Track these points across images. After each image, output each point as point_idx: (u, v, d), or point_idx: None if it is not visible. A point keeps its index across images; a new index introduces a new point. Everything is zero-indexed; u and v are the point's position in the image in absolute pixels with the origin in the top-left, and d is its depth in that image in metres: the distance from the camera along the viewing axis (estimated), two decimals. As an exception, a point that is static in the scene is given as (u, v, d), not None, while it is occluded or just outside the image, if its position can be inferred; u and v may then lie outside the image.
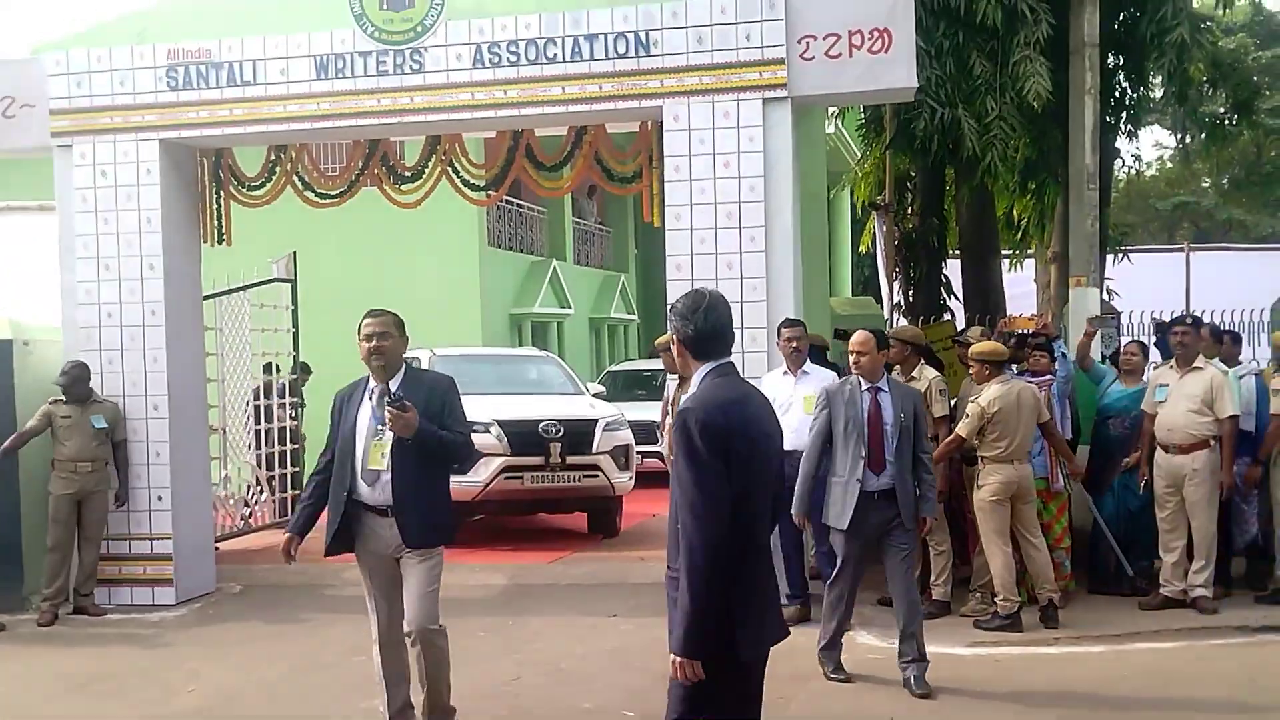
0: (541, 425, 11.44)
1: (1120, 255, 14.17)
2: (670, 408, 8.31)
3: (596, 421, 11.81)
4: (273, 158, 9.73)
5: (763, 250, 8.40)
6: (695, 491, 3.56)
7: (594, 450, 11.61)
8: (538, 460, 11.33)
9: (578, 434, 11.56)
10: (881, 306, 15.72)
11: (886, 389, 6.72)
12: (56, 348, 9.32)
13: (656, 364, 18.71)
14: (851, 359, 6.75)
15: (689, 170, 8.49)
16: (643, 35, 8.51)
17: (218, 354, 11.76)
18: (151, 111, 9.13)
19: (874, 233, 16.81)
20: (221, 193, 9.84)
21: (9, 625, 8.65)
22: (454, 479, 6.42)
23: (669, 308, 3.93)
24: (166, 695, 6.88)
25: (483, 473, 11.11)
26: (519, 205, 20.79)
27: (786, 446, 7.90)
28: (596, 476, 11.60)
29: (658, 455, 14.88)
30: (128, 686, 7.10)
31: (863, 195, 16.33)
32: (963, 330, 10.37)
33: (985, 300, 12.73)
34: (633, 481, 12.14)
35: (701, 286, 4.32)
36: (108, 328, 9.24)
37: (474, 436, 5.85)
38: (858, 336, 6.75)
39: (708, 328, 3.77)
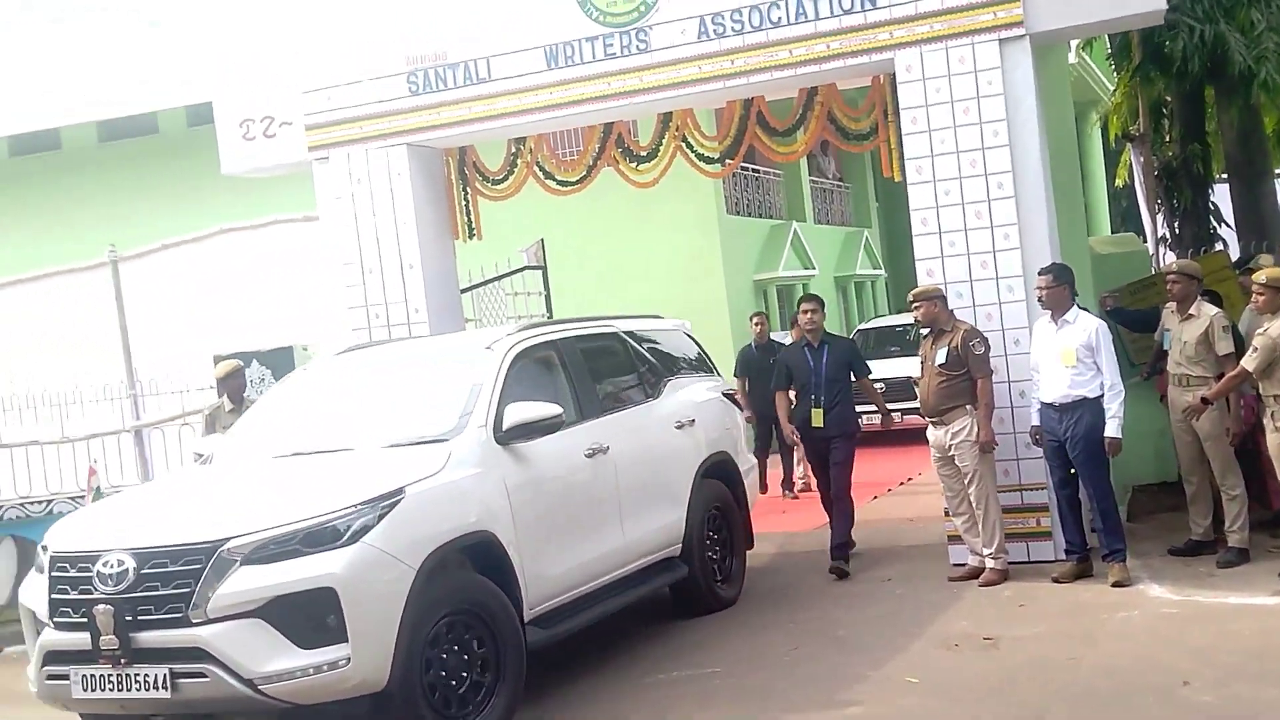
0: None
1: None
2: (924, 363, 8.13)
3: None
4: (513, 150, 9.99)
5: (1011, 196, 8.08)
6: None
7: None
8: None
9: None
10: (1145, 241, 14.92)
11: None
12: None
13: (906, 319, 18.40)
14: None
15: (927, 121, 8.25)
16: (869, -12, 8.30)
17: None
18: (397, 118, 9.51)
19: (1130, 165, 15.94)
20: (468, 189, 10.17)
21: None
22: None
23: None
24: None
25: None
26: (755, 170, 20.71)
27: (1045, 398, 7.78)
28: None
29: (915, 411, 14.59)
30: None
31: (1116, 127, 15.51)
32: (1246, 258, 9.72)
33: (1261, 225, 11.90)
34: None
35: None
36: (376, 327, 9.71)
37: None
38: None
39: None
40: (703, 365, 8.99)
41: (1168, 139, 13.92)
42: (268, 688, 5.29)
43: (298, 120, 9.76)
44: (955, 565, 8.30)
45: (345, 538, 5.50)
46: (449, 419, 6.46)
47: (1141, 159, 14.36)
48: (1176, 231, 13.29)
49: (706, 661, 6.96)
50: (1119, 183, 18.84)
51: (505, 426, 6.45)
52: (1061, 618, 7.04)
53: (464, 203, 10.17)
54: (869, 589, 8.29)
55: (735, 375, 12.32)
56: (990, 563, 7.96)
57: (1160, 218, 13.80)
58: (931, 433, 8.17)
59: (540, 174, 10.00)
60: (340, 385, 7.52)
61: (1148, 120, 14.03)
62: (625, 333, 8.22)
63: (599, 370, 7.77)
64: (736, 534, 8.44)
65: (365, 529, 5.54)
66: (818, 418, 8.78)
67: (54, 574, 5.74)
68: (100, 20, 19.84)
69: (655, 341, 8.59)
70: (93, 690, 5.52)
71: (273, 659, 5.30)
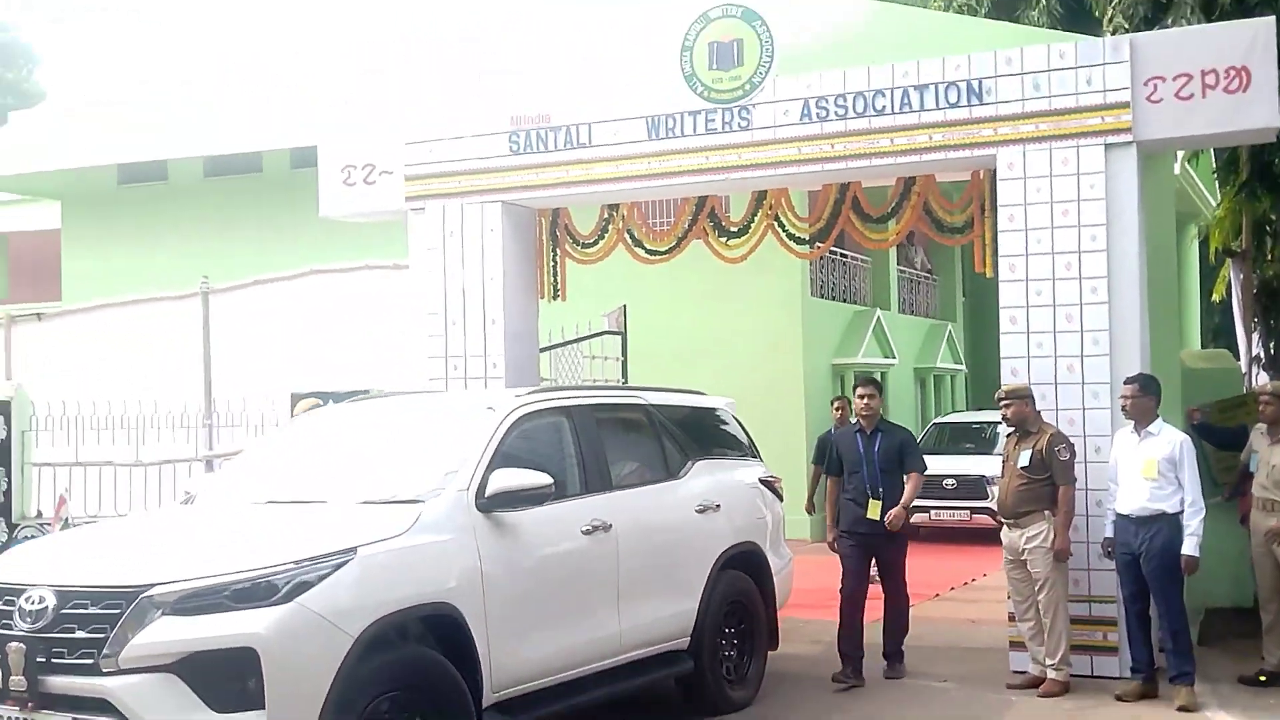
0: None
1: None
2: (1005, 463, 7.95)
3: None
4: (605, 216, 10.06)
5: (1105, 302, 7.95)
6: None
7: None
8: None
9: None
10: (1238, 359, 14.59)
11: None
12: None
13: (984, 416, 18.16)
14: None
15: (1024, 219, 8.16)
16: (975, 83, 8.28)
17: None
18: (495, 175, 9.62)
19: (1229, 280, 15.66)
20: (558, 250, 10.24)
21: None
22: None
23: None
24: None
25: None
26: (842, 255, 20.67)
27: (1121, 510, 7.57)
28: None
29: (987, 511, 14.39)
30: None
31: (1217, 241, 15.25)
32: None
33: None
34: None
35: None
36: (454, 379, 9.74)
37: None
38: None
39: None
40: (742, 448, 8.45)
41: (1269, 258, 13.67)
42: None
43: (398, 170, 9.92)
44: (1015, 672, 8.07)
45: (278, 596, 5.02)
46: (431, 479, 6.04)
47: (1241, 276, 14.11)
48: (1272, 352, 13.01)
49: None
50: (1215, 298, 18.53)
51: (488, 493, 5.97)
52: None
53: (552, 263, 10.23)
54: (922, 689, 8.08)
55: (812, 462, 12.13)
56: (1052, 673, 7.74)
57: (1256, 336, 13.52)
58: (1006, 534, 7.99)
59: (630, 241, 10.05)
60: (340, 434, 7.14)
61: (1250, 237, 13.79)
62: (653, 406, 7.74)
63: (615, 442, 7.29)
64: (758, 632, 7.89)
65: (301, 588, 5.07)
66: (874, 509, 8.18)
67: None
68: (215, 60, 20.46)
69: (688, 418, 8.07)
70: None
71: None
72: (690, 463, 7.68)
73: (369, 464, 6.54)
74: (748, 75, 8.86)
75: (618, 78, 9.26)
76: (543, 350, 11.01)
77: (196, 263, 14.63)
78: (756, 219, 9.66)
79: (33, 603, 5.12)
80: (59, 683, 4.99)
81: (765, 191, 9.55)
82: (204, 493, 6.80)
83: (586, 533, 6.57)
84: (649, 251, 10.04)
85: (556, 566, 6.38)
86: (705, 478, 7.71)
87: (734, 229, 9.78)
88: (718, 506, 7.60)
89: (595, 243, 10.12)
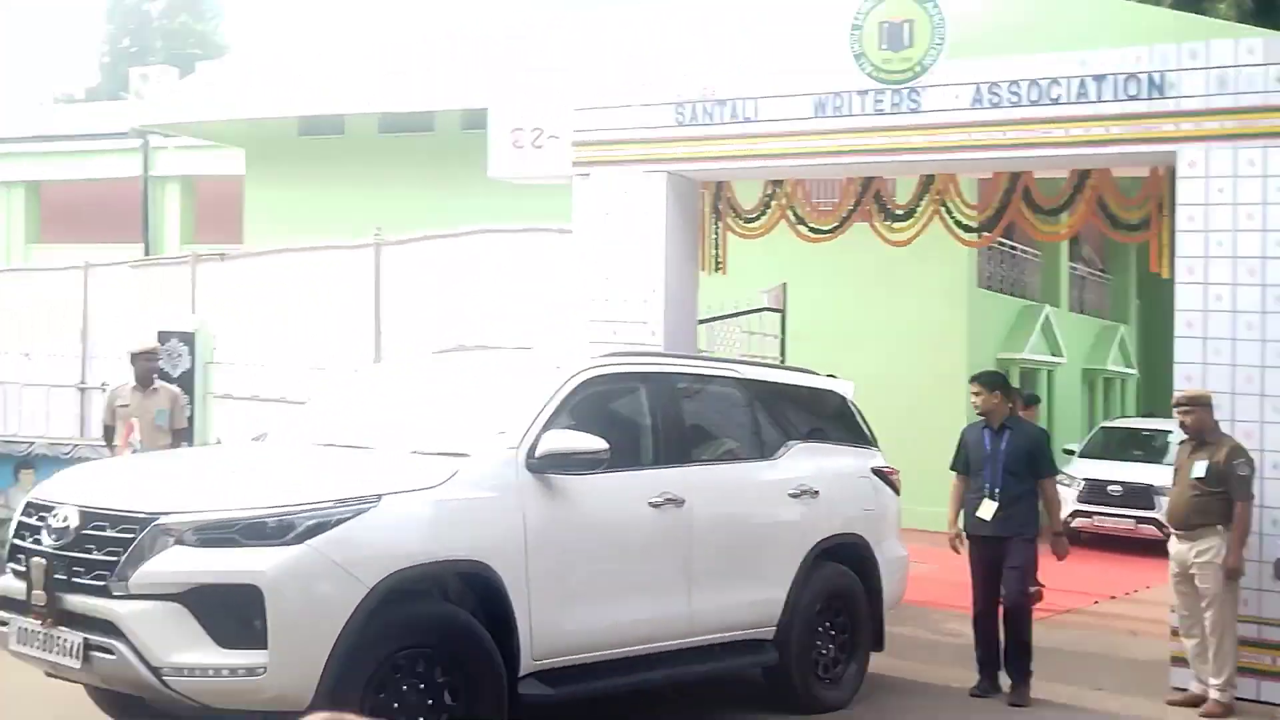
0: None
1: None
2: (1178, 472, 7.62)
3: None
4: (769, 191, 10.03)
5: (1289, 311, 7.61)
6: None
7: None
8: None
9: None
10: None
11: None
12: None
13: (1155, 424, 17.49)
14: None
15: (1205, 220, 7.86)
16: (1156, 76, 7.98)
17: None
18: (661, 145, 9.67)
19: None
20: (720, 223, 10.26)
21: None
22: None
23: None
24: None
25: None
26: (1011, 247, 20.16)
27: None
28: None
29: (1154, 521, 13.89)
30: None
31: None
32: None
33: None
34: None
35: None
36: (612, 344, 9.84)
37: None
38: None
39: None
40: (856, 434, 8.01)
41: None
42: (174, 680, 4.81)
43: (565, 135, 10.04)
44: (1176, 689, 7.79)
45: (290, 536, 4.93)
46: (482, 434, 5.87)
47: None
48: None
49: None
50: None
51: (539, 453, 5.72)
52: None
53: (714, 236, 10.26)
54: (1076, 696, 7.88)
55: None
56: (1216, 694, 7.43)
57: None
58: (1174, 546, 7.67)
59: (793, 218, 10.00)
60: (414, 384, 7.11)
61: None
62: (748, 380, 7.33)
63: (699, 416, 7.00)
64: (859, 631, 7.44)
65: (315, 530, 4.95)
66: (987, 509, 7.71)
67: (21, 518, 5.53)
68: (393, 19, 20.97)
69: (793, 398, 7.67)
70: (25, 645, 5.25)
71: (185, 651, 4.80)
72: (789, 445, 7.30)
73: (431, 415, 6.44)
74: (918, 57, 8.70)
75: (788, 55, 9.18)
76: (701, 322, 11.04)
77: (369, 214, 15.04)
78: (923, 203, 9.51)
79: (59, 520, 5.24)
80: (74, 601, 5.05)
81: (933, 176, 9.40)
82: (275, 432, 6.85)
83: (655, 505, 6.27)
84: (812, 230, 9.98)
85: (615, 537, 6.13)
86: (805, 461, 7.31)
87: (900, 212, 9.65)
88: (815, 493, 7.18)
89: (758, 218, 10.11)
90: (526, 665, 5.58)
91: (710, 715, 7.22)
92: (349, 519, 5.06)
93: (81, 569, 5.09)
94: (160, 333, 11.56)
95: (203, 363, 10.75)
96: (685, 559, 6.42)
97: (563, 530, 5.81)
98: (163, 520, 5.01)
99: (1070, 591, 11.44)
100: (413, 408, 6.66)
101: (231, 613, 4.84)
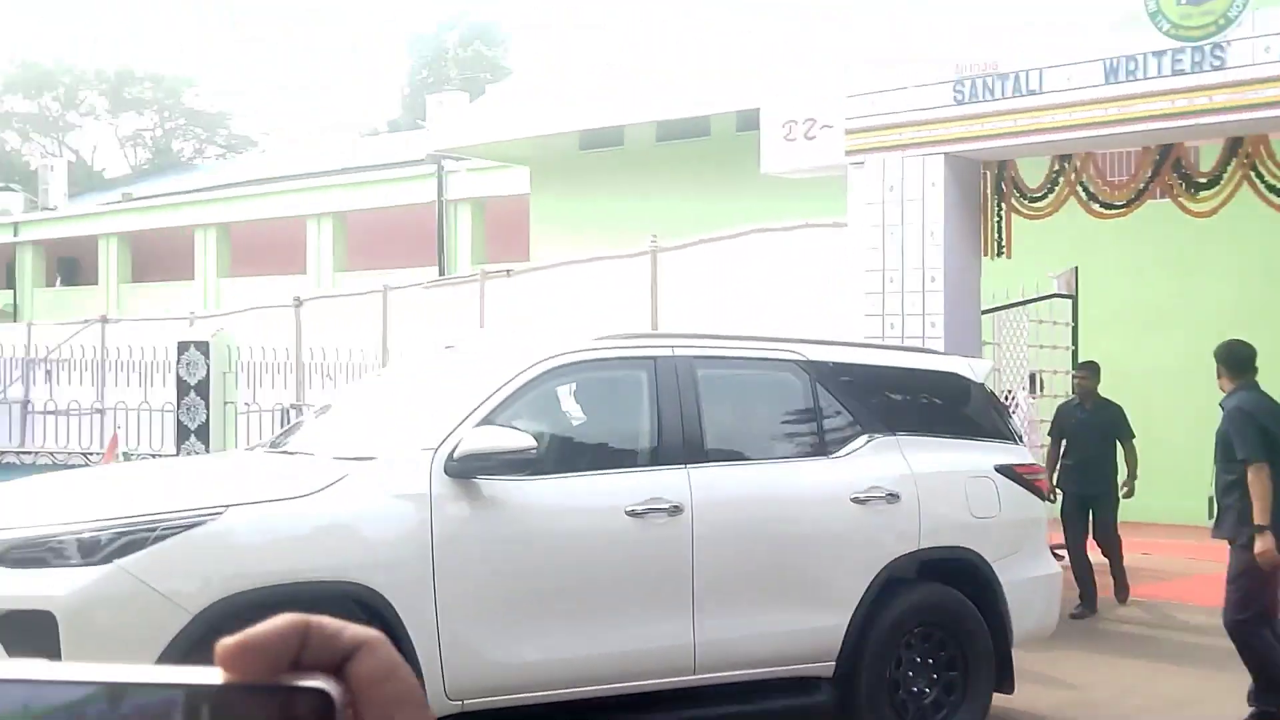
0: None
1: None
2: None
3: None
4: (1056, 168, 9.48)
5: None
6: None
7: None
8: None
9: None
10: None
11: None
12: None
13: None
14: None
15: None
16: None
17: (995, 368, 11.70)
18: (938, 126, 9.30)
19: None
20: (1003, 205, 9.78)
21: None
22: None
23: None
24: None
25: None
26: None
27: None
28: None
29: None
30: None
31: None
32: None
33: None
34: None
35: None
36: (890, 338, 9.56)
37: None
38: None
39: None
40: (978, 425, 6.54)
41: None
42: None
43: (838, 124, 9.81)
44: None
45: (97, 556, 4.33)
46: (402, 433, 5.24)
47: None
48: None
49: None
50: None
51: (458, 454, 4.92)
52: None
53: (997, 219, 9.79)
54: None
55: (1049, 435, 10.54)
56: None
57: None
58: None
59: (1083, 194, 9.41)
60: (402, 383, 6.48)
61: None
62: (812, 362, 6.05)
63: (728, 405, 5.96)
64: (973, 668, 5.97)
65: (127, 549, 4.35)
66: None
67: None
68: (665, 26, 21.19)
69: (881, 381, 6.29)
70: None
71: None
72: (863, 438, 6.01)
73: (386, 415, 5.86)
74: (1222, 9, 8.01)
75: (1072, 19, 8.65)
76: (985, 312, 10.57)
77: (646, 222, 15.22)
78: (1230, 169, 8.77)
79: None
80: None
81: (1240, 139, 8.64)
82: (279, 439, 6.48)
83: (634, 514, 5.29)
84: (1104, 205, 9.37)
85: (572, 552, 5.20)
86: (882, 459, 6.00)
87: (1203, 180, 8.93)
88: (894, 496, 5.90)
89: (1044, 196, 9.58)
90: (441, 705, 4.81)
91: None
92: (172, 535, 4.44)
93: None
94: (179, 343, 12.38)
95: (219, 371, 11.56)
96: (684, 578, 5.38)
97: (493, 545, 5.01)
98: None
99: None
100: (377, 409, 6.08)
101: (30, 643, 4.26)
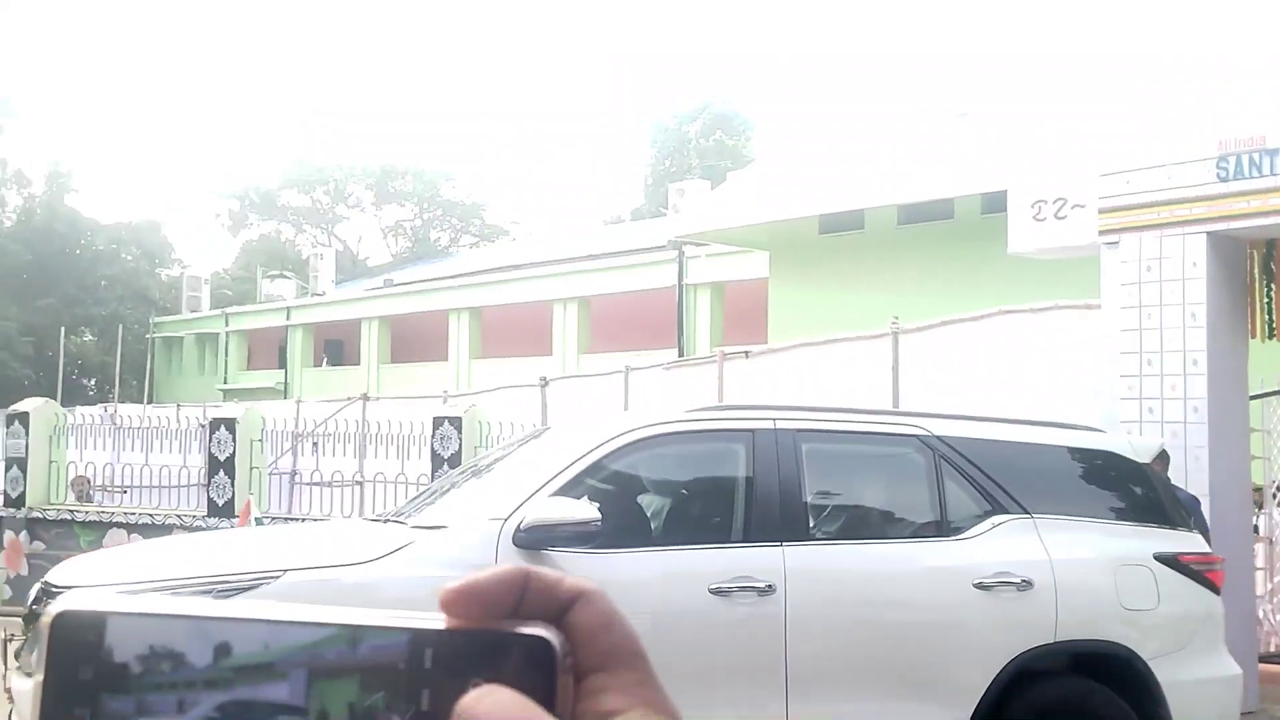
0: None
1: None
2: None
3: None
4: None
5: None
6: None
7: None
8: None
9: None
10: None
11: None
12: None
13: None
14: None
15: None
16: None
17: (1264, 457, 11.03)
18: (1200, 204, 8.91)
19: None
20: (1273, 285, 9.26)
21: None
22: None
23: None
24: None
25: None
26: None
27: None
28: None
29: None
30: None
31: None
32: None
33: None
34: None
35: None
36: (1148, 423, 9.14)
37: None
38: None
39: None
40: (1140, 509, 5.99)
41: None
42: None
43: (1090, 203, 9.52)
44: None
45: None
46: (477, 504, 5.28)
47: None
48: None
49: None
50: None
51: (525, 525, 4.89)
52: None
53: (1266, 300, 9.26)
54: None
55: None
56: None
57: None
58: None
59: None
60: (505, 457, 6.29)
61: None
62: (937, 437, 5.70)
63: (838, 481, 5.70)
64: None
65: None
66: None
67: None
68: (910, 110, 21.09)
69: (1023, 459, 5.85)
70: None
71: None
72: (992, 519, 5.59)
73: (477, 489, 5.84)
74: None
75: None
76: (1254, 398, 9.98)
77: (888, 305, 15.10)
78: None
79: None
80: None
81: None
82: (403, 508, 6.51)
83: (720, 593, 5.05)
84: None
85: (645, 630, 4.69)
86: (1014, 541, 5.56)
87: None
88: (1026, 583, 5.44)
89: (1315, 275, 9.02)
90: None
91: None
92: (230, 596, 4.49)
93: None
94: (434, 418, 12.55)
95: (471, 445, 12.00)
96: (776, 662, 5.09)
97: None
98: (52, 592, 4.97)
99: None
100: (487, 480, 6.00)
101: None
